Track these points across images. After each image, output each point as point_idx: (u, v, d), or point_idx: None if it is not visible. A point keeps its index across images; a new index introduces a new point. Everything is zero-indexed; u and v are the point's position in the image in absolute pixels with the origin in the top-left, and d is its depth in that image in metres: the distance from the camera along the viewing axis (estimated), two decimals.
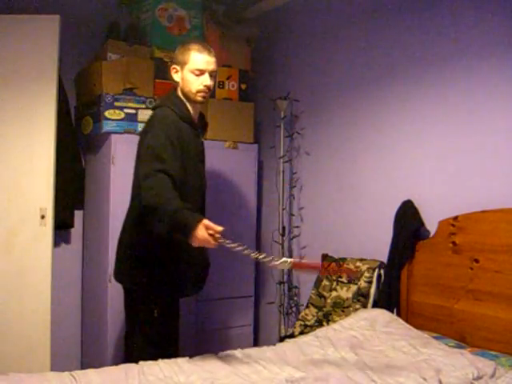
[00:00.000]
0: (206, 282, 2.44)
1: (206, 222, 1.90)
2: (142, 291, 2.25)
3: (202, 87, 2.26)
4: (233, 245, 1.94)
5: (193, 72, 2.24)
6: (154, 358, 2.05)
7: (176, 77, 2.31)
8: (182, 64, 2.27)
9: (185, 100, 2.29)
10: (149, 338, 2.24)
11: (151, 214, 1.98)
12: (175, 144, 2.14)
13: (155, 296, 2.24)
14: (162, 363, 1.98)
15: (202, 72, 2.25)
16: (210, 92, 2.33)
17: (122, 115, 3.08)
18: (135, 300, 2.29)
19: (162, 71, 3.25)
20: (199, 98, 2.28)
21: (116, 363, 2.08)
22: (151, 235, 2.12)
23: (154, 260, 2.23)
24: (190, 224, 1.89)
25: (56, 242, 3.26)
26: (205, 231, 1.89)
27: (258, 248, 3.70)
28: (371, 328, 2.40)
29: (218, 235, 1.91)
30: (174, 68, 2.31)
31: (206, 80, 2.26)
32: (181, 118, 2.23)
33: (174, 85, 2.35)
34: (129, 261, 2.30)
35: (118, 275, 2.35)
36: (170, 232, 1.96)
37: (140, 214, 2.19)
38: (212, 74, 2.29)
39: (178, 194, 2.04)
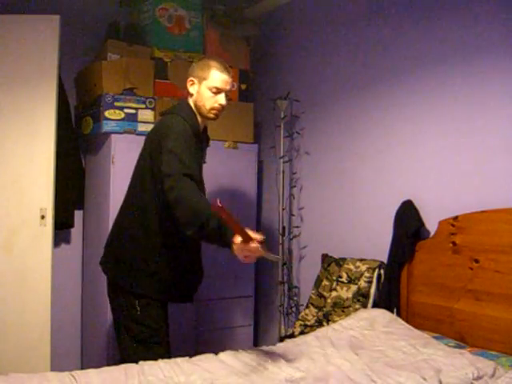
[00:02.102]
0: (196, 291, 2.45)
1: (237, 243, 1.88)
2: (124, 285, 2.28)
3: (216, 105, 2.28)
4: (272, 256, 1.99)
5: (210, 89, 2.26)
6: (141, 355, 2.07)
7: (192, 89, 2.32)
8: (201, 79, 2.28)
9: (196, 112, 2.31)
10: (133, 335, 2.25)
11: (184, 214, 1.98)
12: (192, 150, 2.16)
13: (138, 294, 2.25)
14: (162, 363, 1.97)
15: (219, 91, 2.27)
16: (223, 111, 2.35)
17: (122, 115, 3.08)
18: (118, 293, 2.31)
19: (162, 71, 3.25)
20: (211, 115, 2.31)
21: (116, 363, 2.08)
22: (150, 235, 2.22)
23: (146, 261, 2.25)
24: (226, 241, 1.93)
25: (56, 242, 3.26)
26: (241, 251, 1.90)
27: None
28: (371, 328, 2.40)
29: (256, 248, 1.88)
30: (191, 80, 2.32)
31: (222, 99, 2.29)
32: (191, 128, 2.24)
33: (186, 95, 2.35)
34: (118, 255, 2.34)
35: (105, 267, 2.41)
36: (204, 237, 2.01)
37: (141, 213, 2.25)
38: (227, 94, 2.32)
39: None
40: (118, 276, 2.33)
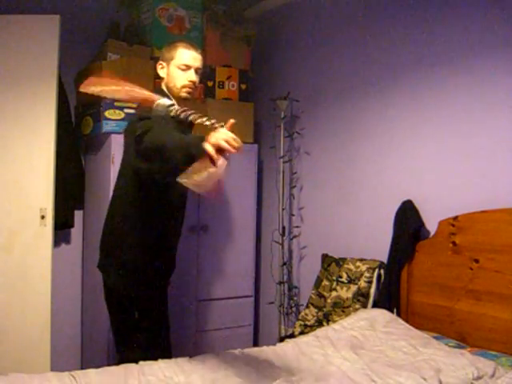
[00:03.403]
0: (169, 276, 2.47)
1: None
2: (118, 282, 2.28)
3: (187, 82, 2.28)
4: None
5: (179, 67, 2.27)
6: (141, 358, 2.04)
7: (162, 72, 2.33)
8: (169, 60, 2.30)
9: (171, 96, 2.29)
10: (132, 339, 2.24)
11: (159, 151, 1.90)
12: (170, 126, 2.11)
13: (131, 291, 2.25)
14: (162, 363, 1.98)
15: (188, 67, 2.28)
16: (195, 89, 2.35)
17: (122, 115, 3.08)
18: (115, 297, 2.31)
19: None
20: (184, 94, 2.30)
21: (116, 363, 2.08)
22: (127, 230, 2.24)
23: (129, 250, 2.26)
24: (198, 141, 1.73)
25: (56, 242, 3.26)
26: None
27: (258, 248, 3.71)
28: (371, 328, 2.40)
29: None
30: (160, 64, 2.34)
31: (192, 76, 2.28)
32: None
33: (159, 81, 2.37)
34: (108, 250, 2.34)
35: (100, 264, 2.39)
36: (184, 159, 1.80)
37: (118, 210, 2.29)
38: (197, 71, 2.31)
39: (161, 194, 2.09)
40: (107, 275, 2.33)
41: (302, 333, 2.82)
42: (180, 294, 3.17)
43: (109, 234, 2.34)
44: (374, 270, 2.75)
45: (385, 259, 2.75)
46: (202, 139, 1.67)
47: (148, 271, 2.31)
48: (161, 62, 2.34)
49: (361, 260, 2.85)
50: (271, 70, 3.78)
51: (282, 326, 3.44)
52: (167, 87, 2.30)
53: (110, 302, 2.35)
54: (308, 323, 2.89)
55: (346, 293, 2.79)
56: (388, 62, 2.92)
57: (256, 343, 3.62)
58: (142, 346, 2.23)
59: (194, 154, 1.69)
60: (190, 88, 2.29)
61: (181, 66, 2.27)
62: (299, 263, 3.50)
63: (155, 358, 2.04)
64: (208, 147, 1.61)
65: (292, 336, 2.83)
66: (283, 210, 3.45)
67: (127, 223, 2.27)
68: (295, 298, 3.47)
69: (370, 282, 2.74)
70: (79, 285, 3.50)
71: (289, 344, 2.35)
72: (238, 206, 3.51)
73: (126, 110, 3.09)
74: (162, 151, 1.87)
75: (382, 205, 2.89)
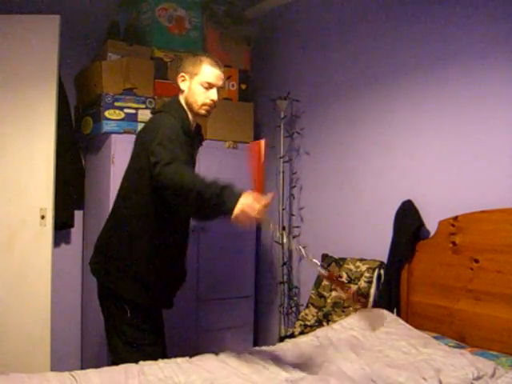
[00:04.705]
0: (175, 297, 2.42)
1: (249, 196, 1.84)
2: (114, 287, 2.23)
3: (208, 101, 2.25)
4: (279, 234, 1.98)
5: (202, 84, 2.24)
6: (135, 358, 2.03)
7: (183, 85, 2.28)
8: (193, 74, 2.25)
9: (187, 109, 2.27)
10: (125, 338, 2.21)
11: (181, 196, 1.92)
12: (181, 142, 2.11)
13: (125, 297, 2.21)
14: (162, 363, 1.97)
15: (210, 86, 2.24)
16: (215, 107, 2.32)
17: (122, 115, 3.08)
18: (108, 295, 2.27)
19: (161, 71, 3.26)
20: (203, 112, 2.27)
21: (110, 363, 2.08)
22: (134, 236, 2.18)
23: (131, 262, 2.20)
24: (226, 209, 1.87)
25: (56, 242, 3.26)
26: (250, 199, 1.84)
27: (258, 248, 3.70)
28: None
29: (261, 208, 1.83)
30: (182, 76, 2.28)
31: (214, 95, 2.25)
32: (181, 126, 2.19)
33: (178, 92, 2.32)
34: (106, 257, 2.28)
35: (94, 269, 2.33)
36: (209, 212, 1.91)
37: (128, 215, 2.21)
38: (219, 90, 2.29)
39: (171, 203, 2.07)
40: (106, 278, 2.27)
41: (302, 333, 2.82)
42: (180, 294, 3.16)
43: (115, 240, 2.27)
44: (374, 270, 2.76)
45: (385, 259, 2.75)
46: (225, 196, 1.87)
47: (166, 284, 2.30)
48: (183, 73, 2.28)
49: (361, 260, 2.85)
50: (271, 69, 3.78)
51: (282, 326, 3.44)
52: (186, 102, 2.27)
53: (103, 299, 2.32)
54: (308, 323, 2.89)
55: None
56: (388, 62, 2.92)
57: (256, 343, 3.62)
58: (137, 345, 2.22)
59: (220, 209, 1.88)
60: (209, 106, 2.26)
61: (204, 84, 2.23)
62: (299, 263, 3.50)
63: (151, 358, 2.03)
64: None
65: (292, 336, 2.83)
66: (283, 210, 3.45)
67: (142, 232, 2.20)
68: (295, 298, 3.47)
69: (370, 282, 2.74)
70: (79, 285, 3.50)
71: (289, 344, 2.35)
72: None
73: (126, 110, 3.09)
74: (182, 194, 1.90)
75: (382, 205, 2.89)
